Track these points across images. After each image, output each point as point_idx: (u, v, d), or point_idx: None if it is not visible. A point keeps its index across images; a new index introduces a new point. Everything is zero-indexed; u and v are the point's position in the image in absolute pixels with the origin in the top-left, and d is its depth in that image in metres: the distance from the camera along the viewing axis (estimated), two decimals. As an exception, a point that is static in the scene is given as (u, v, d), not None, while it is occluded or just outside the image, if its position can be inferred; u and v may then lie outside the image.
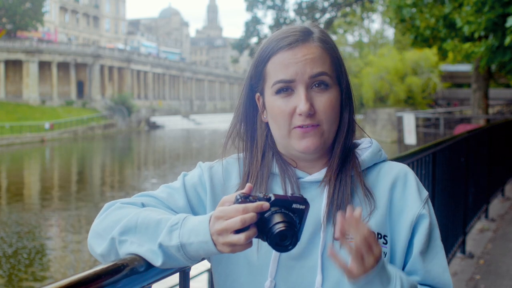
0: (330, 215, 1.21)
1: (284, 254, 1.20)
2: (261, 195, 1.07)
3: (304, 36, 1.23)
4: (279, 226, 1.03)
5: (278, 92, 1.22)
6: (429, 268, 1.22)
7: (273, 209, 1.05)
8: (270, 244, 1.05)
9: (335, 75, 1.24)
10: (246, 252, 1.21)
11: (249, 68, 1.30)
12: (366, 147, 1.30)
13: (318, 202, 1.23)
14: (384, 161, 1.31)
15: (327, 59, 1.23)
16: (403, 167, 1.30)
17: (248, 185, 1.09)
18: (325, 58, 1.23)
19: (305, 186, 1.25)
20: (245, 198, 1.06)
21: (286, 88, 1.21)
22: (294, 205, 1.06)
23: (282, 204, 1.05)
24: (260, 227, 1.05)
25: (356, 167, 1.26)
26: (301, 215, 1.06)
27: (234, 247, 1.05)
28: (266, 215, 1.05)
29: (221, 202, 1.09)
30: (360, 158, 1.27)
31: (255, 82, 1.28)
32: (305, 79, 1.20)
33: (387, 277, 1.10)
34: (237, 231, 1.03)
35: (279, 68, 1.21)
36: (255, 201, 1.05)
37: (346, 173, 1.25)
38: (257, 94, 1.29)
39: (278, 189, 1.26)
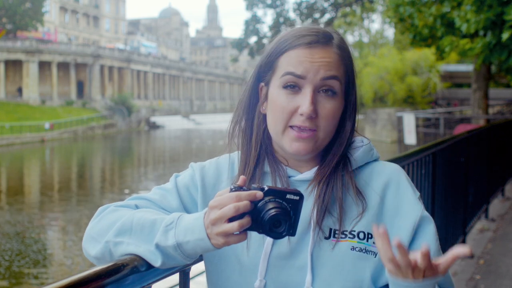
0: (320, 214, 1.21)
1: (273, 254, 1.21)
2: (255, 186, 1.07)
3: (325, 39, 1.22)
4: (272, 211, 1.03)
5: (286, 87, 1.21)
6: None
7: (266, 198, 1.05)
8: (264, 231, 1.04)
9: (345, 85, 1.24)
10: (236, 251, 1.22)
11: (259, 59, 1.29)
12: (358, 146, 1.30)
13: (308, 201, 1.23)
14: (376, 160, 1.31)
15: (341, 67, 1.22)
16: (395, 167, 1.30)
17: (242, 177, 1.09)
18: (339, 66, 1.22)
19: (295, 185, 1.25)
20: (239, 188, 1.06)
21: (294, 85, 1.20)
22: (288, 196, 1.06)
23: (276, 194, 1.06)
24: (254, 217, 1.05)
25: (347, 166, 1.25)
26: (295, 206, 1.06)
27: (228, 238, 1.05)
28: (259, 204, 1.05)
29: (216, 195, 1.08)
30: (352, 157, 1.27)
31: (264, 71, 1.27)
32: (316, 79, 1.19)
33: None
34: (231, 220, 1.04)
35: (293, 62, 1.20)
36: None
37: (336, 172, 1.24)
38: (261, 84, 1.28)
39: None
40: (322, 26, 1.31)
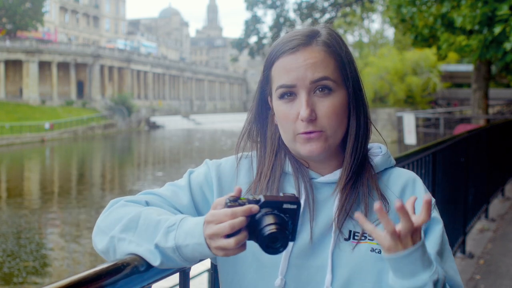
0: (342, 219, 1.22)
1: (294, 253, 1.22)
2: (250, 197, 1.06)
3: (307, 39, 1.22)
4: (269, 228, 1.02)
5: (282, 97, 1.22)
6: (446, 269, 1.22)
7: (263, 210, 1.04)
8: (260, 246, 1.04)
9: (341, 78, 1.23)
10: (254, 249, 1.21)
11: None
12: (377, 152, 1.32)
13: (331, 203, 1.24)
14: (392, 166, 1.33)
15: (331, 63, 1.22)
16: (411, 174, 1.33)
17: (237, 188, 1.08)
18: (328, 62, 1.21)
19: (318, 187, 1.26)
20: (234, 201, 1.05)
21: (289, 93, 1.21)
22: (285, 205, 1.05)
23: (272, 205, 1.05)
24: (251, 229, 1.04)
25: (370, 170, 1.27)
26: (293, 215, 1.05)
27: (226, 251, 1.05)
28: (256, 217, 1.04)
29: (214, 205, 1.09)
30: (373, 162, 1.29)
31: (264, 85, 1.29)
32: (306, 84, 1.19)
33: (428, 258, 1.08)
34: (228, 235, 1.04)
35: (282, 72, 1.22)
36: (244, 204, 1.05)
37: (362, 178, 1.26)
38: (269, 97, 1.30)
39: (290, 188, 1.27)
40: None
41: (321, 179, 1.26)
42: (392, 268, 1.08)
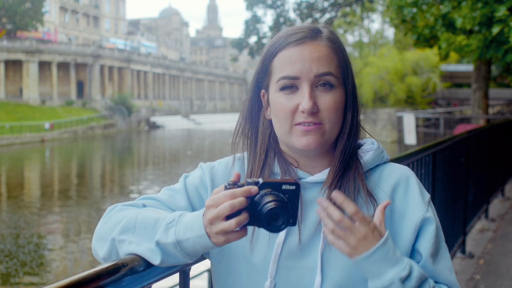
0: None
1: (284, 255, 1.21)
2: (250, 180, 1.06)
3: (313, 33, 1.23)
4: (269, 205, 1.03)
5: (283, 89, 1.22)
6: (438, 269, 1.22)
7: (262, 191, 1.04)
8: (262, 226, 1.04)
9: (341, 76, 1.23)
10: (245, 251, 1.22)
11: (256, 66, 1.30)
12: (369, 148, 1.30)
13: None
14: (386, 162, 1.31)
15: (334, 59, 1.22)
16: (405, 170, 1.30)
17: (235, 173, 1.09)
18: (332, 58, 1.22)
19: (306, 187, 1.25)
20: (233, 185, 1.06)
21: (290, 86, 1.21)
22: (284, 186, 1.05)
23: (271, 186, 1.05)
24: (252, 212, 1.04)
25: (358, 169, 1.25)
26: (292, 196, 1.05)
27: (228, 236, 1.05)
28: (256, 198, 1.04)
29: (212, 194, 1.09)
30: (362, 159, 1.27)
31: (261, 77, 1.28)
32: (310, 77, 1.19)
33: (395, 257, 1.10)
34: (228, 218, 1.03)
35: (285, 64, 1.21)
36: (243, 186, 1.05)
37: (348, 175, 1.24)
38: (263, 91, 1.29)
39: None
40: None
41: (310, 179, 1.25)
42: (362, 271, 1.11)
